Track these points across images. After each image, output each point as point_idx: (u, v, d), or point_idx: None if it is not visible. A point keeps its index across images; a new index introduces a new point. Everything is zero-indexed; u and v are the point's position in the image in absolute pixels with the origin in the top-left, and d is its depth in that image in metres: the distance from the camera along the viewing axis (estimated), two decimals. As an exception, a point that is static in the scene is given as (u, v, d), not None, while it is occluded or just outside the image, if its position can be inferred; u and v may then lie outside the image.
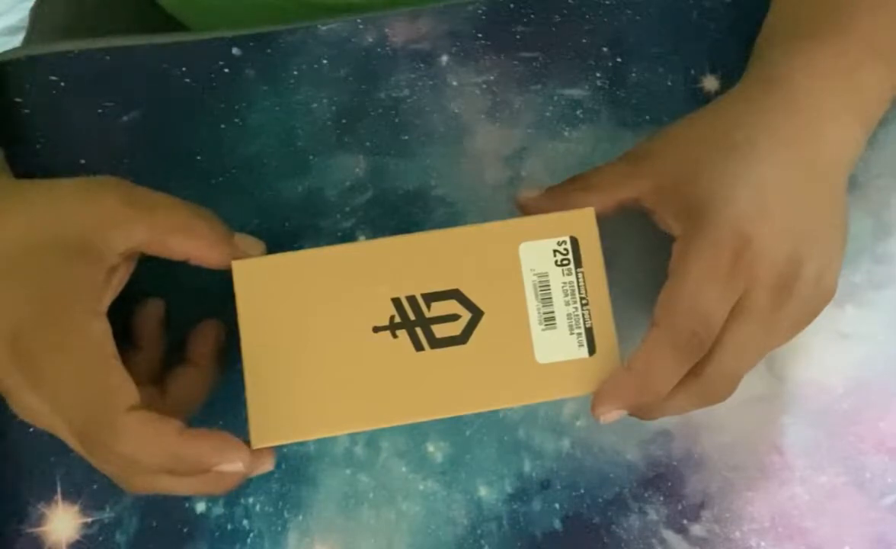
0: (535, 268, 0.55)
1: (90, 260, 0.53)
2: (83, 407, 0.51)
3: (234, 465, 0.52)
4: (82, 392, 0.51)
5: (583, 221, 0.56)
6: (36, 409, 0.52)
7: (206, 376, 0.59)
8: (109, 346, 0.52)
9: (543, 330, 0.55)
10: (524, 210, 0.59)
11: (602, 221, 0.55)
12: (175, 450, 0.51)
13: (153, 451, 0.51)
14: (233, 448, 0.52)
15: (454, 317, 0.55)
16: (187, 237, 0.55)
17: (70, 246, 0.53)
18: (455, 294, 0.55)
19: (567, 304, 0.55)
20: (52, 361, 0.51)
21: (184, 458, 0.52)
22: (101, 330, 0.53)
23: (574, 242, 0.55)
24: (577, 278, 0.55)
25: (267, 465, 0.55)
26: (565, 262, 0.55)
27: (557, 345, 0.55)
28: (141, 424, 0.51)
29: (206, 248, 0.55)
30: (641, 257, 0.61)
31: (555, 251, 0.55)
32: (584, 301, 0.55)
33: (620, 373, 0.54)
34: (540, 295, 0.55)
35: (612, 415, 0.54)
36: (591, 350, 0.55)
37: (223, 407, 0.59)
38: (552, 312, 0.55)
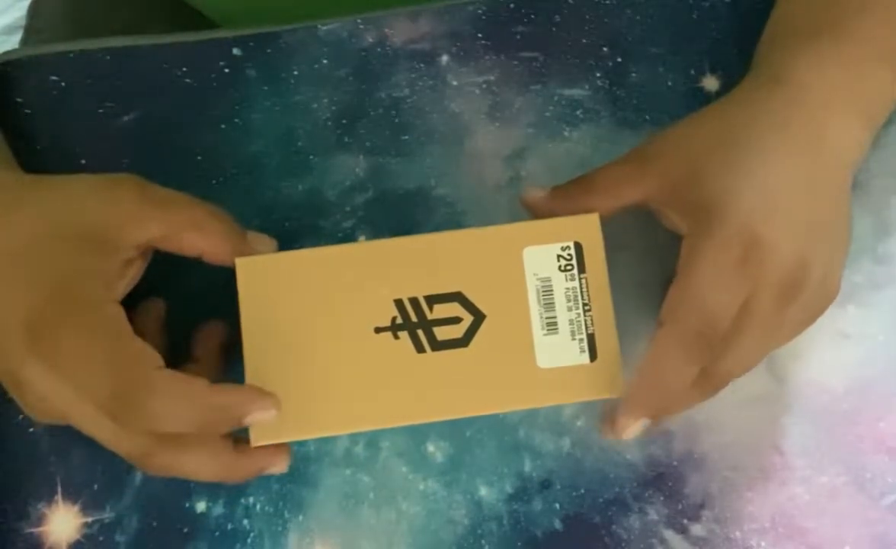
0: (538, 273, 0.55)
1: (106, 252, 0.54)
2: (111, 374, 0.52)
3: (266, 412, 0.53)
4: (109, 362, 0.52)
5: (587, 227, 0.56)
6: (55, 395, 0.52)
7: (209, 375, 0.59)
8: (126, 324, 0.53)
9: (545, 335, 0.55)
10: (529, 208, 0.59)
11: (603, 225, 0.55)
12: (207, 401, 0.52)
13: (186, 404, 0.52)
14: (263, 397, 0.53)
15: (456, 320, 0.55)
16: (201, 234, 0.55)
17: (85, 238, 0.54)
18: (457, 297, 0.55)
19: (569, 309, 0.55)
20: (72, 339, 0.52)
21: (216, 407, 0.52)
22: (117, 311, 0.53)
23: (578, 247, 0.55)
24: (580, 284, 0.55)
25: (281, 465, 0.56)
26: (569, 267, 0.55)
27: (559, 350, 0.55)
28: (172, 380, 0.52)
29: (219, 245, 0.56)
30: (643, 261, 0.61)
31: (558, 256, 0.55)
32: (586, 307, 0.55)
33: (633, 384, 0.54)
34: (542, 300, 0.55)
35: (634, 429, 0.54)
36: (593, 356, 0.55)
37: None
38: (554, 317, 0.55)
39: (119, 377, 0.52)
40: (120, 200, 0.55)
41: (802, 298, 0.54)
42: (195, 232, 0.55)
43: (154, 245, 0.55)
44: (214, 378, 0.59)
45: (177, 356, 0.59)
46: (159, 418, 0.52)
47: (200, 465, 0.55)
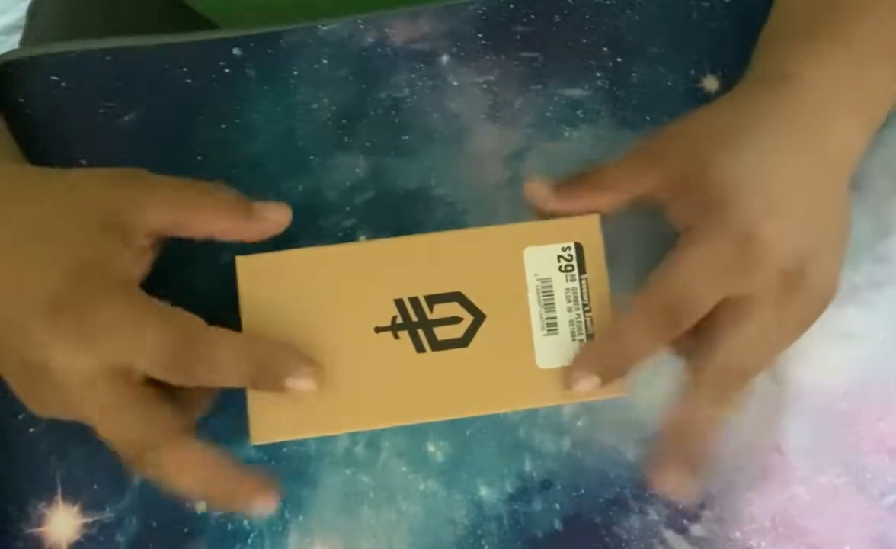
0: (538, 273, 0.55)
1: (117, 239, 0.54)
2: (170, 332, 0.52)
3: (306, 381, 0.53)
4: (163, 321, 0.53)
5: (588, 228, 0.56)
6: (79, 375, 0.52)
7: (195, 408, 0.58)
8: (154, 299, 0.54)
9: (545, 335, 0.55)
10: (532, 203, 0.58)
11: (605, 225, 0.56)
12: (258, 354, 0.53)
13: (242, 356, 0.53)
14: (306, 362, 0.54)
15: (456, 320, 0.55)
16: (209, 214, 0.55)
17: (101, 225, 0.54)
18: (458, 297, 0.55)
19: (570, 310, 0.55)
20: (108, 309, 0.52)
21: (264, 362, 0.53)
22: (141, 290, 0.54)
23: (578, 248, 0.55)
24: (581, 285, 0.55)
25: (267, 501, 0.55)
26: (569, 268, 0.55)
27: (559, 351, 0.55)
28: (225, 333, 0.53)
29: (228, 220, 0.55)
30: (644, 262, 0.61)
31: (559, 257, 0.55)
32: (586, 308, 0.55)
33: (592, 341, 0.55)
34: (543, 300, 0.55)
35: (584, 384, 0.54)
36: None
37: (223, 404, 0.59)
38: (554, 317, 0.55)
39: (178, 333, 0.52)
40: (125, 189, 0.55)
41: (802, 296, 0.55)
42: (202, 212, 0.55)
43: (162, 232, 0.55)
44: (216, 392, 0.59)
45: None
46: (221, 368, 0.53)
47: (194, 472, 0.54)
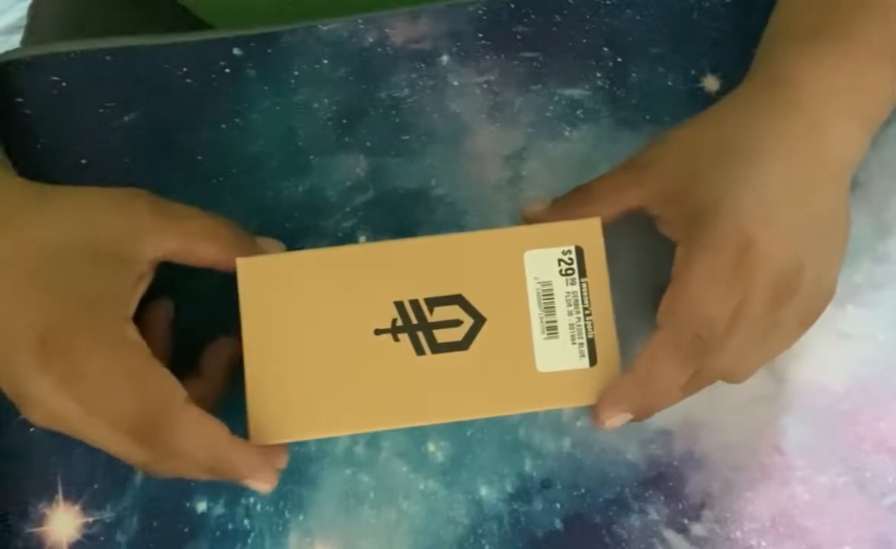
0: (539, 276, 0.55)
1: (122, 267, 0.54)
2: (137, 404, 0.52)
3: (264, 485, 0.55)
4: (134, 390, 0.52)
5: (588, 231, 0.56)
6: (63, 411, 0.52)
7: (214, 389, 0.59)
8: (146, 347, 0.54)
9: (545, 339, 0.55)
10: (530, 223, 0.58)
11: (604, 230, 0.55)
12: (222, 453, 0.53)
13: (204, 448, 0.53)
14: (268, 469, 0.55)
15: (456, 322, 0.55)
16: (214, 244, 0.56)
17: (101, 252, 0.54)
18: (458, 300, 0.55)
19: (570, 313, 0.55)
20: (94, 359, 0.52)
21: (226, 461, 0.54)
22: (135, 332, 0.54)
23: (579, 251, 0.55)
24: (581, 288, 0.55)
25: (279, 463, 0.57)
26: (570, 271, 0.55)
27: (559, 354, 0.55)
28: (197, 418, 0.53)
29: (231, 253, 0.56)
30: (644, 266, 0.61)
31: (559, 260, 0.55)
32: (586, 311, 0.55)
33: (624, 377, 0.55)
34: (543, 304, 0.55)
35: (616, 420, 0.55)
36: (593, 361, 0.55)
37: (223, 405, 0.59)
38: (554, 321, 0.55)
39: (145, 408, 0.52)
40: (136, 214, 0.55)
41: (796, 299, 0.55)
42: (209, 242, 0.56)
43: (167, 258, 0.56)
44: (218, 394, 0.59)
45: (177, 356, 0.59)
46: (178, 456, 0.53)
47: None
